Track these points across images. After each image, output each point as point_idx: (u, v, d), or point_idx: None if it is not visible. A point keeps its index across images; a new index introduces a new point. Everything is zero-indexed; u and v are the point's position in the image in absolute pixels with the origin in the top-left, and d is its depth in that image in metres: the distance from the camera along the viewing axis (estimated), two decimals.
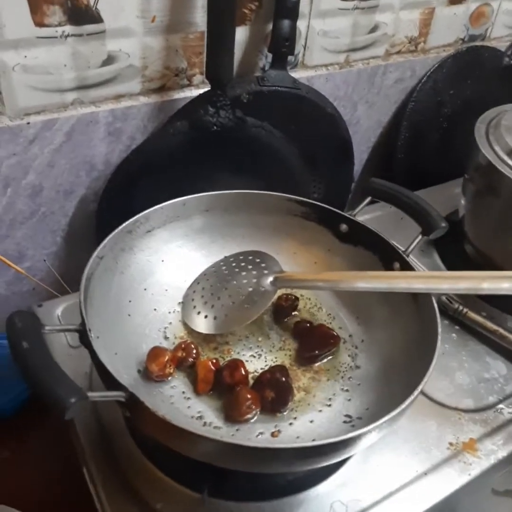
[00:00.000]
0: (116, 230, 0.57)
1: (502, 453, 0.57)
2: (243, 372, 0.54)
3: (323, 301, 0.65)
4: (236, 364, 0.55)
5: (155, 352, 0.54)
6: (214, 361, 0.55)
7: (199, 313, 0.60)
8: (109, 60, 0.64)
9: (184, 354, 0.56)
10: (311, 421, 0.53)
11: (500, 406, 0.62)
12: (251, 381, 0.55)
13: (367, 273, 0.57)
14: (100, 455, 0.54)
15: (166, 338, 0.59)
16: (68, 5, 0.58)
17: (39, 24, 0.57)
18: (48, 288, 0.73)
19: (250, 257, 0.62)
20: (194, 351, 0.56)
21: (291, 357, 0.59)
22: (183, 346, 0.56)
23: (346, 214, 0.63)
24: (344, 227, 0.64)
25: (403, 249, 0.59)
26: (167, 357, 0.54)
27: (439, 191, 0.92)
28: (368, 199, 0.64)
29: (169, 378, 0.55)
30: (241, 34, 0.72)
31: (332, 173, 0.84)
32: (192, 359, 0.56)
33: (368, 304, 0.63)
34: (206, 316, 0.59)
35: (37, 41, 0.58)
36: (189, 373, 0.55)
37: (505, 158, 0.68)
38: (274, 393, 0.53)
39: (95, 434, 0.56)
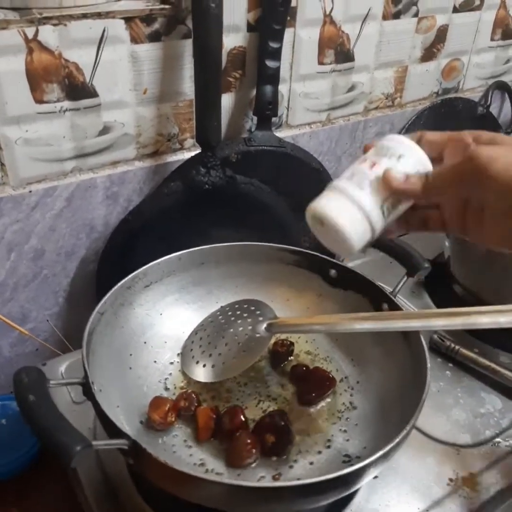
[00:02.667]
0: (116, 286, 0.60)
1: (501, 486, 0.58)
2: (242, 418, 0.56)
3: (318, 345, 0.67)
4: (235, 410, 0.56)
5: (157, 402, 0.56)
6: (213, 408, 0.57)
7: (197, 362, 0.61)
8: (105, 130, 0.69)
9: (186, 403, 0.57)
10: (311, 463, 0.54)
11: (497, 439, 0.63)
12: (251, 426, 0.56)
13: (359, 314, 0.59)
14: (105, 507, 0.55)
15: (166, 389, 0.61)
16: (66, 83, 0.63)
17: (39, 100, 0.62)
18: (51, 347, 0.75)
19: (245, 306, 0.65)
20: (196, 400, 0.58)
21: (290, 401, 0.60)
22: (184, 396, 0.58)
23: (334, 260, 0.67)
24: (333, 272, 0.67)
25: (391, 290, 0.62)
26: (168, 406, 0.56)
27: (425, 235, 0.94)
28: None
29: (171, 427, 0.56)
30: (227, 100, 0.77)
31: None
32: (193, 408, 0.57)
33: (362, 346, 0.65)
34: (204, 365, 0.61)
35: (37, 116, 0.63)
36: (190, 422, 0.57)
37: None
38: (274, 437, 0.54)
39: (99, 486, 0.57)
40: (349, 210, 0.44)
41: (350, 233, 0.44)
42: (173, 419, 0.56)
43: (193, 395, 0.58)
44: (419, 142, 0.46)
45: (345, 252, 0.46)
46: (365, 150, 0.47)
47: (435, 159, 0.46)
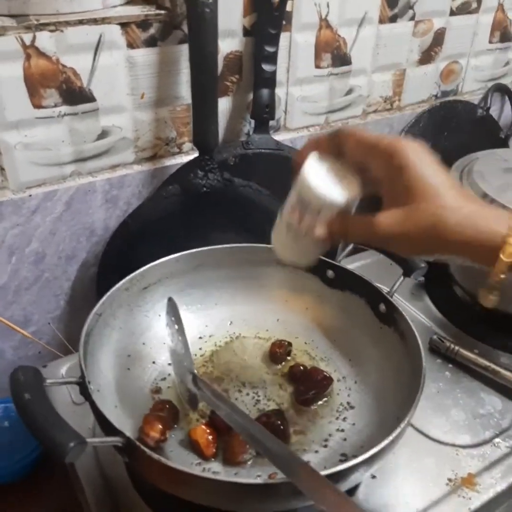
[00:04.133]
0: (114, 288, 0.61)
1: (500, 487, 0.57)
2: None
3: (316, 345, 0.67)
4: None
5: (150, 419, 0.54)
6: (206, 423, 0.56)
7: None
8: (104, 134, 0.70)
9: (166, 413, 0.56)
10: (308, 462, 0.54)
11: (497, 440, 0.62)
12: None
13: None
14: (104, 507, 0.55)
15: (166, 389, 0.61)
16: (63, 88, 0.64)
17: (37, 106, 0.63)
18: (53, 350, 0.76)
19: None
20: (173, 410, 0.57)
21: (287, 400, 0.60)
22: (160, 406, 0.57)
23: (332, 261, 0.67)
24: (330, 273, 0.67)
25: (387, 290, 0.62)
26: (163, 424, 0.54)
27: None
28: (351, 245, 0.67)
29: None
30: (224, 103, 0.78)
31: None
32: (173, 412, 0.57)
33: (360, 346, 0.65)
34: None
35: (36, 121, 0.64)
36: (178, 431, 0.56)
37: None
38: None
39: (98, 487, 0.57)
40: (294, 255, 0.52)
41: (300, 263, 0.53)
42: (167, 436, 0.54)
43: (167, 404, 0.57)
44: (338, 140, 0.46)
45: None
46: (295, 164, 0.48)
47: (360, 168, 0.46)
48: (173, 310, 0.60)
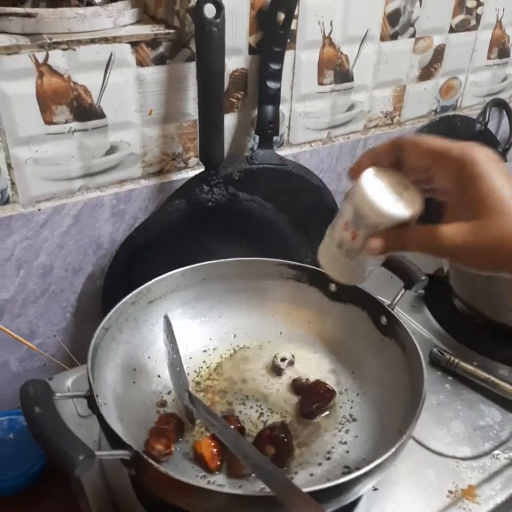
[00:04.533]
0: (121, 302, 0.62)
1: (500, 498, 0.58)
2: (239, 425, 0.58)
3: (319, 357, 0.68)
4: (229, 419, 0.58)
5: (157, 432, 0.55)
6: (210, 436, 0.56)
7: None
8: (112, 149, 0.71)
9: (171, 426, 0.57)
10: (311, 475, 0.55)
11: (496, 452, 0.63)
12: (249, 438, 0.57)
13: None
14: None
15: (171, 401, 0.62)
16: (74, 105, 0.65)
17: (49, 122, 0.65)
18: (59, 363, 0.77)
19: None
20: (178, 423, 0.58)
21: (290, 413, 0.61)
22: (165, 420, 0.58)
23: None
24: (333, 286, 0.68)
25: (389, 303, 0.63)
26: (168, 438, 0.55)
27: None
28: None
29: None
30: (230, 120, 0.79)
31: (322, 238, 0.89)
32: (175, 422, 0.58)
33: (362, 359, 0.66)
34: None
35: (47, 137, 0.66)
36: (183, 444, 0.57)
37: None
38: (275, 449, 0.55)
39: (103, 499, 0.58)
40: (345, 273, 0.50)
41: (352, 282, 0.53)
42: (172, 449, 0.55)
43: (172, 417, 0.58)
44: (400, 150, 0.44)
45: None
46: (351, 175, 0.46)
47: (421, 180, 0.44)
48: (168, 328, 0.61)
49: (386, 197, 0.43)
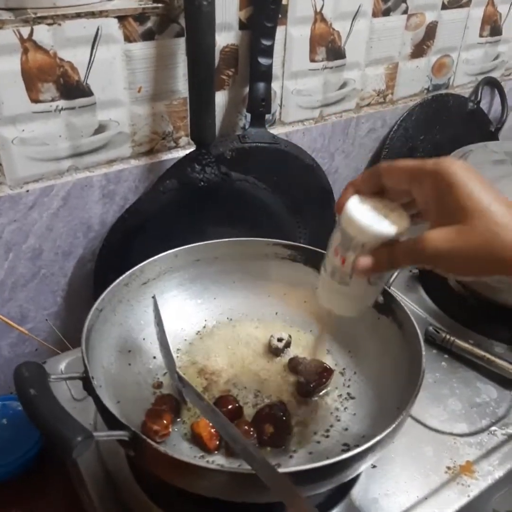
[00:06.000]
0: (114, 284, 0.61)
1: (498, 473, 0.59)
2: (236, 404, 0.57)
3: (315, 337, 0.67)
4: (227, 398, 0.58)
5: (154, 413, 0.55)
6: None
7: None
8: (101, 128, 0.69)
9: (168, 407, 0.57)
10: (310, 453, 0.55)
11: (493, 428, 0.64)
12: (248, 417, 0.57)
13: None
14: (107, 503, 0.55)
15: (167, 382, 0.61)
16: (61, 82, 0.64)
17: (35, 100, 0.63)
18: (51, 347, 0.76)
19: None
20: (175, 403, 0.58)
21: (288, 392, 0.61)
22: (164, 400, 0.57)
23: None
24: None
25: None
26: (167, 417, 0.55)
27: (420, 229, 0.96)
28: None
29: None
30: (221, 97, 0.78)
31: (316, 218, 0.88)
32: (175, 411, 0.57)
33: (359, 338, 0.66)
34: None
35: (33, 115, 0.64)
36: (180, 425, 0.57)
37: None
38: (273, 428, 0.55)
39: (101, 483, 0.57)
40: (347, 304, 0.51)
41: (355, 312, 0.51)
42: (169, 429, 0.55)
43: (169, 398, 0.58)
44: (379, 176, 0.45)
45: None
46: (338, 209, 0.47)
47: (402, 195, 0.45)
48: (155, 309, 0.60)
49: (371, 217, 0.44)
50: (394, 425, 0.47)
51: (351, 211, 0.45)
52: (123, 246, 0.74)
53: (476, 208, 0.40)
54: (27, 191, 0.67)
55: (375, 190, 0.46)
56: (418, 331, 0.56)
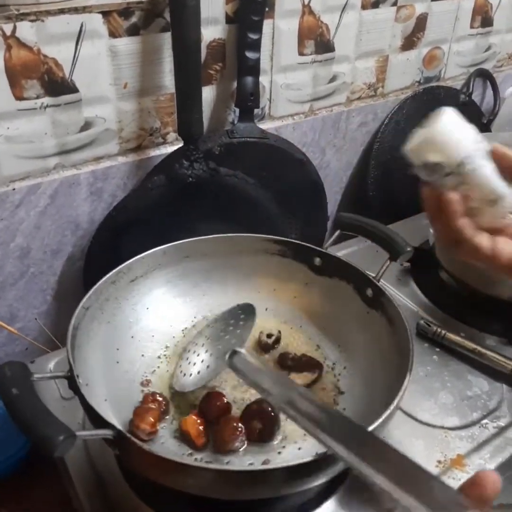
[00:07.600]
0: (100, 281, 0.60)
1: (490, 466, 0.58)
2: (225, 400, 0.57)
3: (305, 332, 0.67)
4: (216, 394, 0.57)
5: (142, 411, 0.54)
6: (195, 413, 0.55)
7: (182, 372, 0.61)
8: (87, 125, 0.69)
9: (157, 405, 0.56)
10: (299, 449, 0.55)
11: (485, 421, 0.63)
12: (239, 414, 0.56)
13: None
14: (95, 501, 0.55)
15: (156, 381, 0.61)
16: (45, 79, 0.63)
17: (19, 97, 0.62)
18: (41, 346, 0.75)
19: (236, 316, 0.63)
20: (163, 400, 0.57)
21: None
22: (151, 398, 0.57)
23: (317, 248, 0.67)
24: (317, 260, 0.67)
25: (374, 276, 0.63)
26: (154, 415, 0.54)
27: (412, 223, 0.96)
28: (338, 232, 0.67)
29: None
30: (208, 92, 0.77)
31: (307, 213, 0.88)
32: (164, 405, 0.57)
33: (349, 332, 0.65)
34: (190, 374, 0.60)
35: (18, 113, 0.63)
36: (169, 423, 0.56)
37: None
38: (262, 424, 0.54)
39: (89, 481, 0.57)
40: None
41: None
42: (157, 427, 0.55)
43: (157, 396, 0.57)
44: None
45: None
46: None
47: None
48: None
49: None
50: (381, 419, 0.47)
51: None
52: (112, 244, 0.74)
53: None
54: (14, 189, 0.67)
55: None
56: (407, 325, 0.55)
